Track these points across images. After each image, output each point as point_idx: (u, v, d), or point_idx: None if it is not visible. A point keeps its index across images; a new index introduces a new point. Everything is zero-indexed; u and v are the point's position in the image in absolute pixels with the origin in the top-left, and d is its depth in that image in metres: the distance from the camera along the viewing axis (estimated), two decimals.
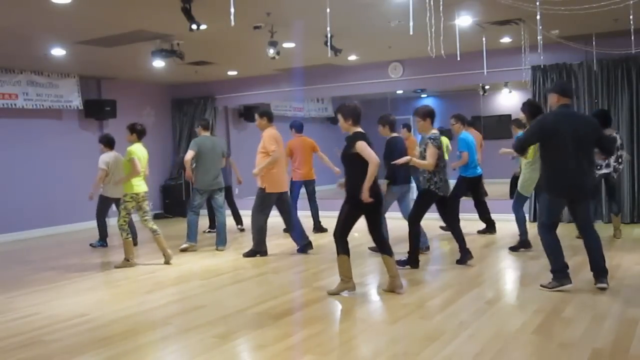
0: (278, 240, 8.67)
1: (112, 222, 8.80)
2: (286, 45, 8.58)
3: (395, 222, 7.43)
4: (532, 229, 6.86)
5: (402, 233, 7.01)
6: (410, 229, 6.45)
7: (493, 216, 8.71)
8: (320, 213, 9.32)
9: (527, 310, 4.73)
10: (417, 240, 6.45)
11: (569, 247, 7.19)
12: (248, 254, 7.49)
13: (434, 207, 7.39)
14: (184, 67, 10.01)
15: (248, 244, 7.70)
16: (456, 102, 13.60)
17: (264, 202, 7.37)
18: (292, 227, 7.68)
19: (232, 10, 5.45)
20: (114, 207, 8.63)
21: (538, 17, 6.16)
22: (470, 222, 8.77)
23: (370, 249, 7.32)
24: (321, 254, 7.49)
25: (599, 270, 5.25)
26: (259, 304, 5.25)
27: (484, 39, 8.41)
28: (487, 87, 12.60)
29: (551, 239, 5.26)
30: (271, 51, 7.77)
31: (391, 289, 5.42)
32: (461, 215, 8.58)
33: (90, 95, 11.38)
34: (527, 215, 7.59)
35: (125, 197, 7.18)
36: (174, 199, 12.45)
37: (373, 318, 4.90)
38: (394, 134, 7.20)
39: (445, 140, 10.49)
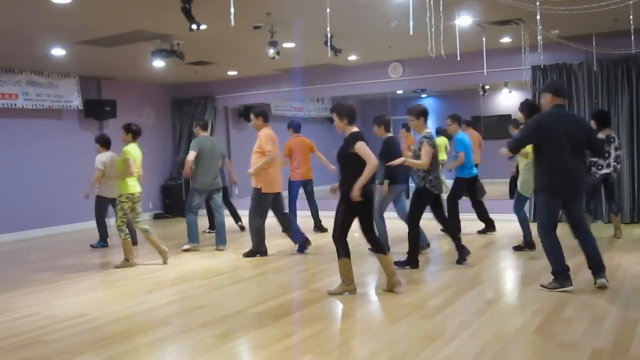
0: (278, 240, 8.67)
1: (111, 222, 8.80)
2: (286, 45, 8.58)
3: (395, 222, 7.43)
4: (534, 229, 6.86)
5: (401, 233, 7.01)
6: (409, 229, 6.45)
7: (493, 216, 8.71)
8: (320, 213, 9.32)
9: (527, 310, 4.73)
10: (416, 240, 6.45)
11: (568, 247, 7.18)
12: (248, 254, 7.50)
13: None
14: (184, 67, 10.01)
15: (248, 244, 7.70)
16: (456, 102, 13.62)
17: (261, 203, 7.37)
18: (288, 227, 7.67)
19: (232, 10, 5.45)
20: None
21: (538, 17, 6.16)
22: (470, 222, 8.77)
23: (370, 249, 7.31)
24: (321, 254, 7.49)
25: (598, 267, 5.26)
26: (259, 304, 5.25)
27: (484, 39, 8.41)
28: (487, 87, 12.62)
29: (551, 240, 5.25)
30: (271, 51, 7.77)
31: (390, 287, 5.42)
32: (461, 216, 8.63)
33: (90, 95, 11.38)
34: (528, 215, 7.59)
35: (120, 197, 7.17)
36: (174, 199, 12.45)
37: (373, 318, 4.90)
38: (389, 134, 7.22)
39: (444, 140, 10.54)
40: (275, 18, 7.11)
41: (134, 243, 7.41)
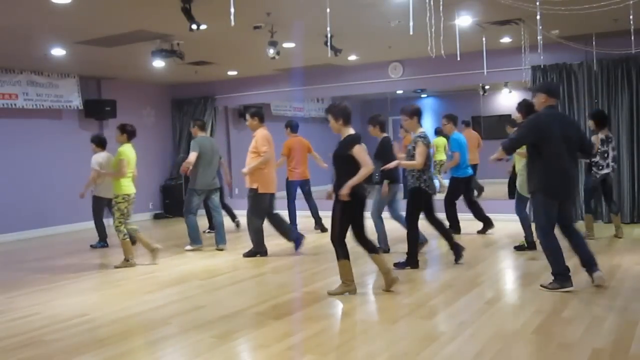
0: (277, 240, 8.65)
1: (110, 222, 8.79)
2: (286, 45, 8.58)
3: (395, 222, 7.41)
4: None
5: (401, 233, 7.00)
6: (408, 230, 6.44)
7: (493, 216, 8.72)
8: (320, 212, 9.33)
9: (527, 310, 4.73)
10: (415, 241, 6.44)
11: (568, 248, 7.20)
12: (248, 254, 7.50)
13: (439, 207, 7.38)
14: (184, 67, 10.01)
15: (248, 243, 7.70)
16: (456, 102, 13.62)
17: (258, 203, 7.37)
18: (280, 227, 7.65)
19: (232, 10, 5.45)
20: None
21: (538, 17, 6.16)
22: (470, 222, 8.77)
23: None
24: (321, 254, 7.49)
25: (592, 261, 5.29)
26: (259, 304, 5.25)
27: (484, 39, 8.41)
28: (487, 87, 12.62)
29: (551, 241, 5.23)
30: (271, 51, 7.77)
31: (388, 285, 5.43)
32: (460, 216, 8.64)
33: (90, 95, 11.38)
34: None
35: (116, 198, 7.16)
36: (174, 199, 12.45)
37: (373, 318, 4.90)
38: (385, 134, 7.23)
39: (443, 140, 10.54)
40: (275, 18, 7.11)
41: (132, 242, 7.41)
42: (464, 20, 7.47)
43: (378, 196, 7.13)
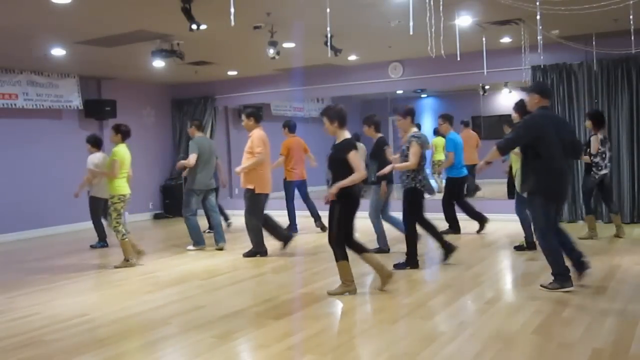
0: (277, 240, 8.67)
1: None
2: (286, 45, 8.58)
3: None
4: None
5: (399, 233, 7.01)
6: (406, 230, 6.44)
7: (493, 216, 8.73)
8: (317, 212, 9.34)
9: (527, 310, 4.73)
10: (414, 241, 6.43)
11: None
12: (248, 254, 7.49)
13: (437, 207, 7.37)
14: (184, 67, 10.01)
15: (247, 244, 7.69)
16: (456, 102, 13.61)
17: (256, 204, 7.36)
18: (270, 227, 7.62)
19: (232, 10, 5.45)
20: None
21: (538, 17, 6.16)
22: (470, 222, 8.77)
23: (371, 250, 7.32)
24: (321, 253, 7.48)
25: (583, 259, 5.33)
26: (259, 304, 5.25)
27: (484, 39, 8.41)
28: (487, 87, 12.61)
29: (550, 242, 5.23)
30: (271, 51, 7.77)
31: (384, 280, 5.45)
32: (459, 216, 8.64)
33: (90, 95, 11.38)
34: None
35: (112, 198, 7.14)
36: (173, 199, 12.45)
37: (373, 318, 4.90)
38: (380, 135, 7.24)
39: (442, 140, 10.55)
40: (275, 18, 7.11)
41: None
42: (464, 20, 7.47)
43: (375, 196, 7.13)
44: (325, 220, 8.97)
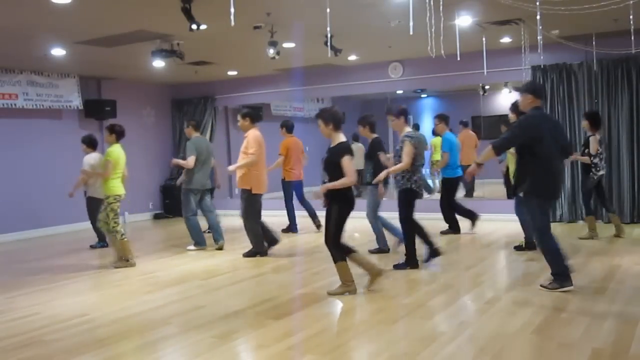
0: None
1: None
2: (286, 45, 8.58)
3: (393, 222, 7.41)
4: None
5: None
6: (403, 231, 6.43)
7: (492, 216, 8.73)
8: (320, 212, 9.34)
9: (527, 310, 4.73)
10: (412, 241, 6.42)
11: (569, 247, 7.19)
12: (248, 254, 7.49)
13: (436, 207, 7.34)
14: (184, 67, 10.01)
15: (247, 243, 7.69)
16: (456, 102, 13.61)
17: (253, 204, 7.36)
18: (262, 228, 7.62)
19: (232, 10, 5.45)
20: None
21: (538, 17, 6.16)
22: (466, 222, 8.76)
23: (371, 251, 7.32)
24: (321, 253, 7.47)
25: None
26: (259, 304, 5.25)
27: (484, 39, 8.41)
28: (487, 87, 12.62)
29: (549, 241, 5.22)
30: (271, 51, 7.77)
31: (373, 280, 5.47)
32: (457, 216, 8.64)
33: (90, 95, 11.38)
34: None
35: (108, 199, 7.12)
36: (173, 199, 12.43)
37: (373, 318, 4.90)
38: (375, 135, 7.24)
39: (439, 141, 10.56)
40: (275, 18, 7.11)
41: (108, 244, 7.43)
42: (464, 20, 7.47)
43: (372, 197, 7.13)
44: (322, 220, 9.07)
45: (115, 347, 4.25)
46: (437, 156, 12.36)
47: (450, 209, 8.63)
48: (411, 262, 6.40)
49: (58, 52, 8.64)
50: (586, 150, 7.58)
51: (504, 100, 13.57)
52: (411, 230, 6.42)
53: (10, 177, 10.13)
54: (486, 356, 3.77)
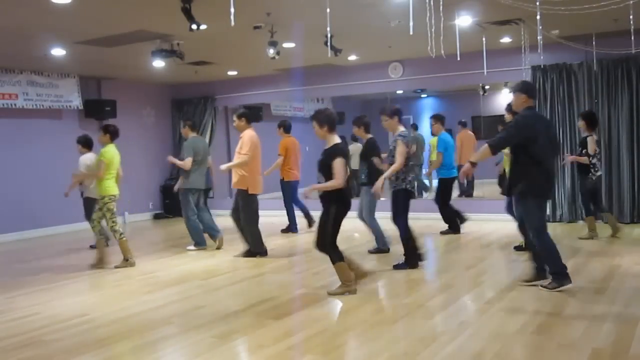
0: (277, 240, 8.69)
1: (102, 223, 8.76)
2: (286, 45, 8.58)
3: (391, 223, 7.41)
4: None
5: (396, 233, 6.99)
6: (400, 232, 6.44)
7: (491, 216, 8.73)
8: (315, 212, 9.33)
9: (527, 310, 4.73)
10: (410, 240, 6.41)
11: (568, 248, 7.20)
12: (248, 255, 7.49)
13: (434, 207, 7.31)
14: (184, 67, 10.01)
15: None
16: (456, 102, 13.62)
17: (250, 205, 7.35)
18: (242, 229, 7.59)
19: (232, 10, 5.45)
20: None
21: (538, 17, 6.16)
22: (469, 222, 8.77)
23: (370, 251, 7.32)
24: (321, 253, 7.47)
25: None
26: (259, 304, 5.25)
27: (484, 39, 8.41)
28: (487, 87, 12.63)
29: (546, 241, 5.23)
30: (271, 51, 7.77)
31: (358, 279, 5.49)
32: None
33: (90, 95, 11.38)
34: None
35: (103, 199, 7.11)
36: (173, 199, 12.39)
37: (373, 318, 4.89)
38: (370, 135, 7.24)
39: (436, 141, 10.57)
40: (275, 18, 7.11)
41: (106, 245, 7.41)
42: (464, 20, 7.47)
43: (367, 197, 7.14)
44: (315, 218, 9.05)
45: (115, 347, 4.26)
46: (435, 156, 12.39)
47: (448, 209, 8.62)
48: (410, 261, 6.40)
49: (58, 52, 8.64)
50: (584, 151, 7.57)
51: (504, 100, 13.54)
52: (408, 230, 6.41)
53: (10, 177, 10.13)
54: (486, 356, 3.77)
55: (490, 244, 7.84)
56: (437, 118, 8.81)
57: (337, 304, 5.20)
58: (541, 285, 5.31)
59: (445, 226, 8.68)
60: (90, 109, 11.21)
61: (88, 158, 8.35)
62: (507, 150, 5.96)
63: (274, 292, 5.68)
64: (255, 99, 12.41)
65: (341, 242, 5.55)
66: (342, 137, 10.98)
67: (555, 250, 5.21)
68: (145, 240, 9.77)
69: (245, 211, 7.34)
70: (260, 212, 7.50)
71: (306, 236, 9.01)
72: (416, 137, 12.69)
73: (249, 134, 7.40)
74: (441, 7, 6.00)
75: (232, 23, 5.55)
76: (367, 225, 7.31)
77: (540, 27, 6.50)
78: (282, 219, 9.43)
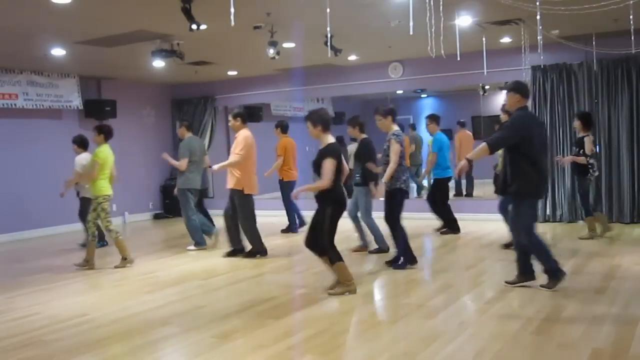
0: (277, 240, 8.68)
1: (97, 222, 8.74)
2: (286, 45, 8.58)
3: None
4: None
5: (387, 232, 7.00)
6: (392, 231, 6.45)
7: (490, 216, 8.73)
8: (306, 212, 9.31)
9: (527, 310, 4.73)
10: (403, 238, 6.41)
11: (569, 248, 7.21)
12: (248, 255, 7.49)
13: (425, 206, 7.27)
14: (184, 67, 10.01)
15: (245, 244, 7.68)
16: (456, 102, 13.62)
17: (246, 205, 7.33)
18: (234, 232, 7.54)
19: (232, 10, 5.45)
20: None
21: (538, 17, 6.16)
22: (469, 222, 8.77)
23: (371, 251, 7.32)
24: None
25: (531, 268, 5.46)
26: (259, 304, 5.25)
27: (484, 39, 8.41)
28: (487, 87, 12.64)
29: (537, 239, 5.28)
30: (271, 51, 7.77)
31: (335, 284, 5.47)
32: (460, 215, 8.66)
33: (90, 95, 11.38)
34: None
35: (97, 199, 7.10)
36: (173, 199, 12.38)
37: (373, 318, 4.90)
38: (364, 135, 7.25)
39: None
40: (275, 18, 7.11)
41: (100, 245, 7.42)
42: (464, 20, 7.47)
43: (363, 198, 7.16)
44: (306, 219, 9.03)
45: (115, 347, 4.25)
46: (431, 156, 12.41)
47: (447, 209, 8.62)
48: (408, 259, 6.40)
49: (58, 52, 8.64)
50: (581, 151, 7.56)
51: (504, 100, 13.58)
52: (400, 228, 6.41)
53: (10, 177, 10.13)
54: (486, 356, 3.77)
55: (490, 244, 7.84)
56: (432, 118, 8.82)
57: (337, 304, 5.19)
58: (541, 285, 5.31)
59: (443, 226, 8.68)
60: (90, 109, 11.21)
61: (84, 158, 8.34)
62: (500, 151, 5.97)
63: (274, 292, 5.68)
64: (255, 99, 12.41)
65: (340, 242, 5.56)
66: (340, 138, 11.04)
67: (546, 247, 5.27)
68: (145, 240, 9.78)
69: (242, 212, 7.34)
70: (260, 212, 7.51)
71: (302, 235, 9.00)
72: (414, 137, 12.71)
73: (243, 134, 7.40)
74: (441, 7, 6.00)
75: (232, 23, 5.55)
76: (355, 225, 7.34)
77: (540, 27, 6.50)
78: (282, 219, 9.43)
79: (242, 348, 4.21)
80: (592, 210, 7.95)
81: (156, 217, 12.58)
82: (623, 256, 6.65)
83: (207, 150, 12.05)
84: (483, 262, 6.71)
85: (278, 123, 9.51)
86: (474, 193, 11.83)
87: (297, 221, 9.34)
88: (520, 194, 5.23)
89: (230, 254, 7.50)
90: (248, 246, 7.51)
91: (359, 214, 7.27)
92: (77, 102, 10.95)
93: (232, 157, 7.29)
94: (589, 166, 7.52)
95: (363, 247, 7.40)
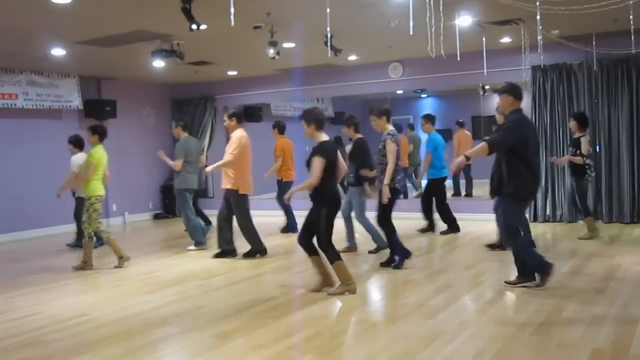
0: (277, 240, 8.68)
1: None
2: (286, 45, 8.58)
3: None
4: (534, 228, 6.88)
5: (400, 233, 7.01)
6: (382, 229, 6.47)
7: (490, 216, 8.68)
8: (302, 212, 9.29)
9: (527, 310, 4.73)
10: (393, 237, 6.42)
11: (569, 248, 7.21)
12: (248, 255, 7.48)
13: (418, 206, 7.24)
14: (184, 67, 10.01)
15: (245, 244, 7.68)
16: (456, 102, 13.62)
17: (242, 205, 7.32)
18: (225, 233, 7.52)
19: (232, 10, 5.45)
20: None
21: (538, 17, 6.16)
22: (468, 222, 8.77)
23: (370, 251, 7.32)
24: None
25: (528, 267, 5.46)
26: (259, 304, 5.25)
27: (484, 39, 8.41)
28: (487, 87, 12.64)
29: (522, 238, 5.37)
30: (271, 51, 7.77)
31: (322, 286, 5.51)
32: (459, 215, 8.65)
33: (90, 95, 11.37)
34: (527, 215, 7.57)
35: (90, 199, 7.08)
36: (173, 199, 12.38)
37: (373, 318, 4.90)
38: (359, 135, 7.25)
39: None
40: (275, 18, 7.11)
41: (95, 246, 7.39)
42: (464, 20, 7.46)
43: (357, 198, 7.16)
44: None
45: (115, 347, 4.25)
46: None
47: (446, 209, 8.62)
48: (404, 254, 6.41)
49: (58, 52, 8.64)
50: (577, 152, 7.56)
51: (497, 102, 13.58)
52: (391, 225, 6.42)
53: (10, 177, 10.13)
54: (486, 356, 3.77)
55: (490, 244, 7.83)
56: (427, 118, 8.83)
57: (337, 304, 5.19)
58: (538, 285, 5.31)
59: (442, 226, 8.68)
60: (90, 109, 11.21)
61: (80, 158, 8.32)
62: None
63: (273, 292, 5.68)
64: (255, 99, 12.41)
65: (339, 242, 5.56)
66: (339, 138, 11.03)
67: (529, 245, 5.39)
68: (145, 240, 9.78)
69: (239, 212, 7.33)
70: (259, 213, 7.51)
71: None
72: (413, 137, 12.71)
73: (238, 134, 7.41)
74: (441, 7, 6.00)
75: (232, 23, 5.55)
76: (346, 225, 7.37)
77: (540, 27, 6.50)
78: (282, 219, 9.41)
79: (242, 348, 4.21)
80: (592, 212, 7.96)
81: (156, 217, 12.57)
82: (623, 256, 6.65)
83: (207, 151, 12.13)
84: (483, 262, 6.71)
85: (275, 123, 9.51)
86: (474, 193, 11.83)
87: (286, 223, 9.32)
88: (515, 194, 5.25)
89: (218, 255, 7.47)
90: (240, 248, 7.50)
91: (352, 214, 7.27)
92: (77, 102, 10.95)
93: (226, 157, 7.30)
94: (586, 167, 7.52)
95: (351, 248, 7.41)
